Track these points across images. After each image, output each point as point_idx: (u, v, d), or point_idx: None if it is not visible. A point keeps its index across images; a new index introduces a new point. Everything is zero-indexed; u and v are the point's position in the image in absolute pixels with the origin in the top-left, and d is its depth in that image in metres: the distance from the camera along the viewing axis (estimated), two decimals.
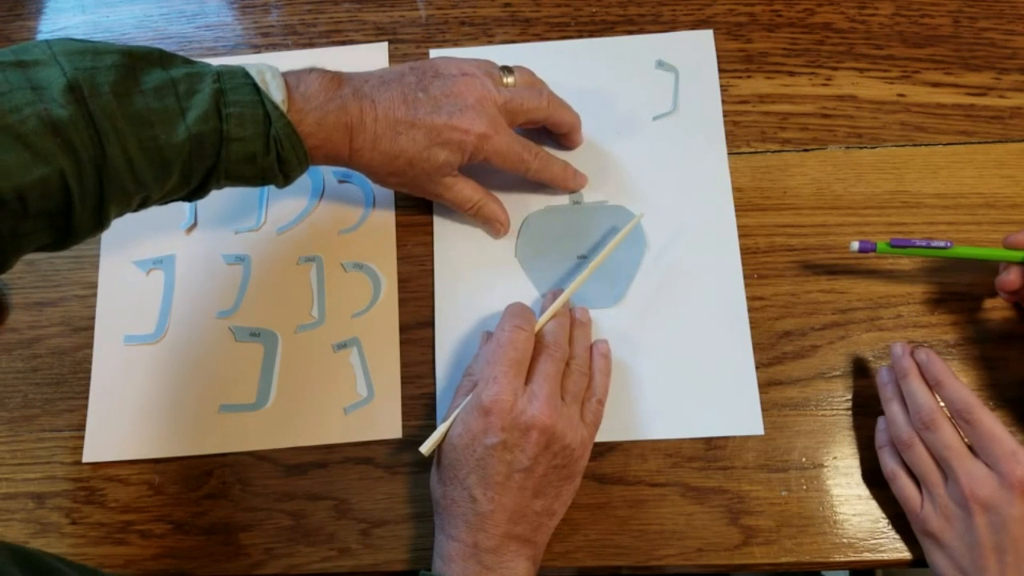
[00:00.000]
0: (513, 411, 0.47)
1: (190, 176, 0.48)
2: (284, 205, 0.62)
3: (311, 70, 0.52)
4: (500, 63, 0.57)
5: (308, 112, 0.50)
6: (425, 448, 0.49)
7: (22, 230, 0.43)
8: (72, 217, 0.44)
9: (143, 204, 0.48)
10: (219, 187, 0.50)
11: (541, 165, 0.57)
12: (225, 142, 0.47)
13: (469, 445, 0.47)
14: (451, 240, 0.60)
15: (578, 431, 0.49)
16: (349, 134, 0.51)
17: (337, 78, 0.52)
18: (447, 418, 0.50)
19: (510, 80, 0.56)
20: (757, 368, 0.55)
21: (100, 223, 0.46)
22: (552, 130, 0.59)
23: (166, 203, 0.50)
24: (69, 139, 0.42)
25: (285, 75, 0.50)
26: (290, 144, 0.49)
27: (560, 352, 0.51)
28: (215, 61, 0.54)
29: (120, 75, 0.44)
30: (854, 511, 0.52)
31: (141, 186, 0.46)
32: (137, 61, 0.46)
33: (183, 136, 0.45)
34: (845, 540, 0.52)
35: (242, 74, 0.48)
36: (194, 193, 0.50)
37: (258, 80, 0.48)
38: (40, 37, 0.69)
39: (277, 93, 0.48)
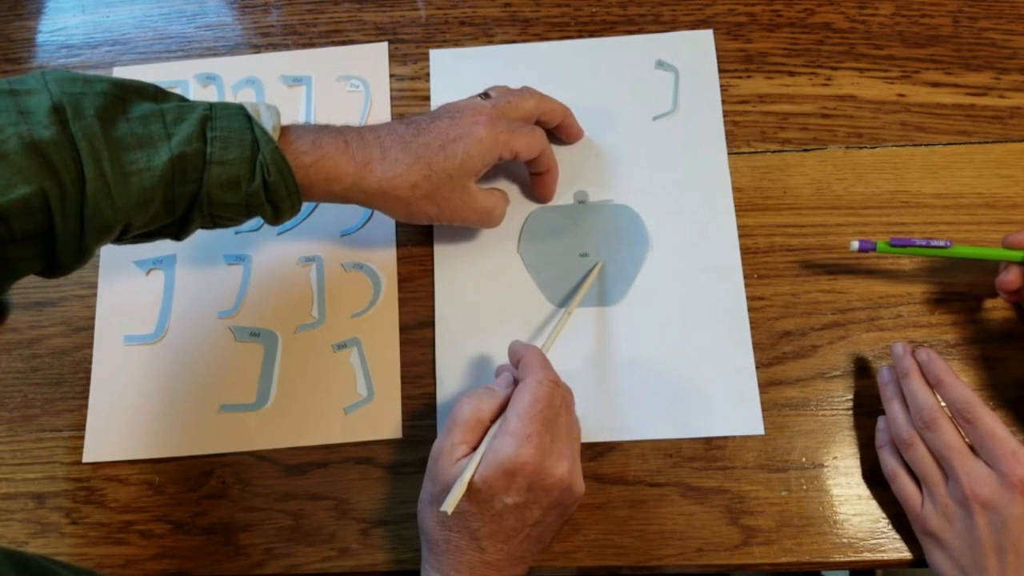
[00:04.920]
0: (540, 472, 0.45)
1: (173, 202, 0.46)
2: None
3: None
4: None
5: (303, 133, 0.50)
6: (448, 506, 0.44)
7: (11, 254, 0.43)
8: (55, 241, 0.43)
9: (125, 232, 0.46)
10: (205, 220, 0.49)
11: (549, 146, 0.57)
12: (208, 165, 0.46)
13: (487, 500, 0.45)
14: (451, 240, 0.60)
15: (581, 479, 0.49)
16: (348, 150, 0.50)
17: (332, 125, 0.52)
18: (465, 465, 0.45)
19: (488, 98, 0.56)
20: (757, 368, 0.55)
21: (81, 252, 0.44)
22: (547, 124, 0.59)
23: (152, 237, 0.49)
24: (50, 159, 0.41)
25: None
26: (277, 170, 0.47)
27: (572, 407, 0.50)
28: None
29: (107, 102, 0.44)
30: (854, 511, 0.52)
31: (119, 211, 0.44)
32: (129, 93, 0.46)
33: (165, 158, 0.45)
34: (845, 540, 0.52)
35: (236, 106, 0.48)
36: (180, 226, 0.49)
37: (251, 111, 0.48)
38: (40, 37, 0.69)
39: (268, 120, 0.48)
